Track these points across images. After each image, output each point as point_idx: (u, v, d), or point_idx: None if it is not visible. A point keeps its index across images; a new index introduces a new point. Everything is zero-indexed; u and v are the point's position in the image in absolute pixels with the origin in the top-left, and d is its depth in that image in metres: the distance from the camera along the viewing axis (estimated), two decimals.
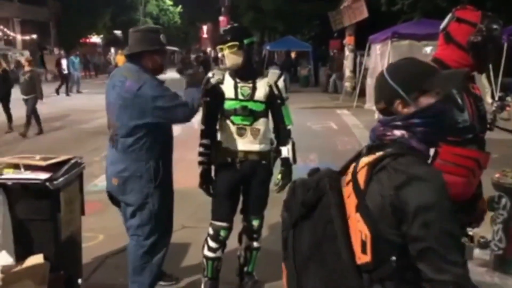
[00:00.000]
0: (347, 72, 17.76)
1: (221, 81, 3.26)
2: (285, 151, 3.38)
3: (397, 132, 1.54)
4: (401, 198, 1.41)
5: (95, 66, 33.54)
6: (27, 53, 27.77)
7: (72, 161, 3.28)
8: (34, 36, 31.85)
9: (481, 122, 2.28)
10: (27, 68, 10.81)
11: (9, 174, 3.05)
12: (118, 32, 37.83)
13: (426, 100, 1.53)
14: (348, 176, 1.60)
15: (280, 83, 3.31)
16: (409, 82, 1.55)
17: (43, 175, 2.99)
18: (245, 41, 3.17)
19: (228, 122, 3.26)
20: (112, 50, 38.61)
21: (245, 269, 3.57)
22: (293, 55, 23.12)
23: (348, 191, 1.57)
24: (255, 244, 3.47)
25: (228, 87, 3.24)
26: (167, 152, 3.25)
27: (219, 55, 3.31)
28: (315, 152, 8.05)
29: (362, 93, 14.72)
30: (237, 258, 3.59)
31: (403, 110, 1.55)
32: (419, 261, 1.40)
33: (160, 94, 3.00)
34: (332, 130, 10.98)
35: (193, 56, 26.53)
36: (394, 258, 1.43)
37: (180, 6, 50.81)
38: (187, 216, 4.95)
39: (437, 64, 1.99)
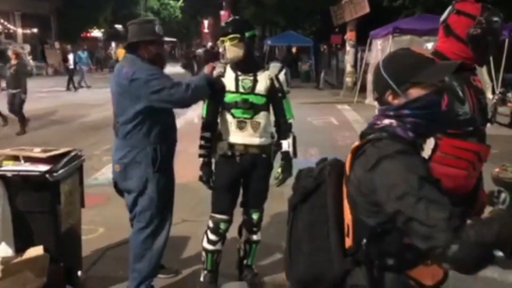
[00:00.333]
0: (348, 67, 17.74)
1: (222, 74, 3.26)
2: (286, 144, 3.37)
3: (386, 121, 1.57)
4: (372, 179, 1.46)
5: (98, 60, 33.48)
6: (28, 46, 27.74)
7: (72, 154, 3.27)
8: (35, 30, 31.77)
9: (482, 114, 2.27)
10: (13, 61, 10.33)
11: (9, 166, 3.04)
12: (119, 27, 37.73)
13: (416, 92, 1.54)
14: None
15: (281, 76, 3.30)
16: (399, 74, 1.56)
17: (43, 167, 2.99)
18: (247, 34, 3.16)
19: (228, 115, 3.25)
20: (113, 44, 38.53)
21: (245, 262, 3.57)
22: (294, 50, 23.07)
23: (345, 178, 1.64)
24: (254, 237, 3.48)
25: (229, 79, 3.24)
26: (168, 139, 3.25)
27: (220, 48, 3.30)
28: (316, 147, 8.06)
29: (363, 89, 14.71)
30: (236, 251, 3.60)
31: (393, 101, 1.57)
32: (409, 237, 1.42)
33: (153, 77, 3.04)
34: (332, 125, 10.98)
35: (200, 50, 26.28)
36: (364, 240, 1.50)
37: (181, 1, 50.61)
38: (188, 210, 4.95)
39: (437, 57, 1.98)
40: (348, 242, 1.57)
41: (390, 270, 1.52)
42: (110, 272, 3.72)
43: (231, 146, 3.26)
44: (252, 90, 3.23)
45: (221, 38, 3.20)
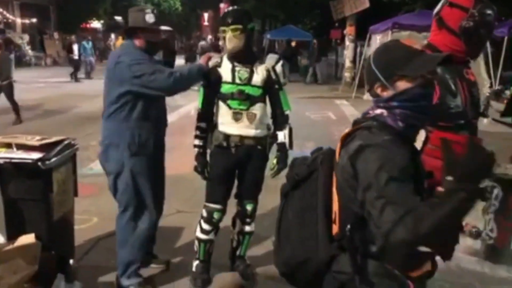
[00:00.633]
0: (347, 62, 17.69)
1: (219, 64, 3.24)
2: (282, 136, 3.37)
3: (378, 111, 1.59)
4: (354, 165, 1.49)
5: (99, 52, 33.33)
6: (26, 36, 27.61)
7: (65, 142, 3.26)
8: (34, 20, 31.62)
9: (474, 108, 2.27)
10: None
11: (1, 154, 3.03)
12: (118, 18, 37.55)
13: (403, 85, 1.55)
14: None
15: (278, 68, 3.29)
16: (387, 66, 1.57)
17: (36, 155, 2.98)
18: (248, 26, 3.16)
19: (224, 106, 3.24)
20: (113, 36, 38.38)
21: (237, 252, 3.58)
22: (293, 44, 22.98)
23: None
24: (248, 228, 3.48)
25: (225, 70, 3.22)
26: (150, 126, 3.23)
27: (220, 38, 3.27)
28: (313, 141, 8.04)
29: (362, 84, 14.66)
30: (229, 242, 3.61)
31: (382, 93, 1.59)
32: (381, 219, 1.40)
33: (136, 61, 3.07)
34: (330, 120, 10.99)
35: (204, 43, 26.06)
36: (348, 226, 1.52)
37: None
38: (183, 201, 4.96)
39: (430, 50, 1.98)
40: (335, 229, 1.59)
41: (374, 258, 1.53)
42: (102, 262, 3.73)
43: (227, 137, 3.25)
44: (248, 81, 3.22)
45: (222, 28, 3.18)
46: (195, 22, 58.07)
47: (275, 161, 3.38)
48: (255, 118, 3.25)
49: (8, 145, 3.11)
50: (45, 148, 3.08)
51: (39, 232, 2.96)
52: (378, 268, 1.52)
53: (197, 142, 3.36)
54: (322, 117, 11.32)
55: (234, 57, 3.21)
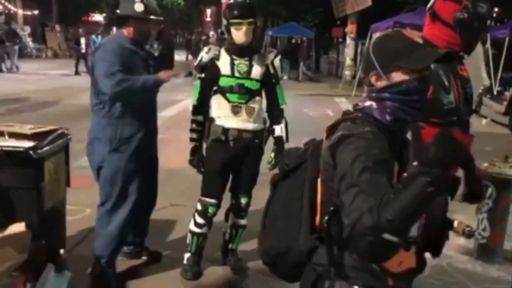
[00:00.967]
0: (348, 60, 17.67)
1: (216, 57, 3.23)
2: (279, 129, 3.38)
3: (368, 103, 1.57)
4: (334, 156, 1.48)
5: None
6: (28, 28, 27.55)
7: (58, 132, 3.25)
8: (36, 11, 31.60)
9: (467, 104, 2.26)
10: None
11: None
12: None
13: (398, 77, 1.53)
14: None
15: (276, 62, 3.31)
16: (385, 55, 1.55)
17: (28, 144, 2.96)
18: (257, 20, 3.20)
19: (223, 99, 3.23)
20: (114, 29, 38.29)
21: (230, 246, 3.58)
22: (295, 41, 22.92)
23: None
24: (241, 221, 3.48)
25: (224, 63, 3.21)
26: (135, 123, 3.19)
27: (225, 30, 3.24)
28: (310, 137, 7.89)
29: (362, 82, 14.64)
30: (222, 237, 3.60)
31: (376, 83, 1.57)
32: (350, 208, 1.38)
33: (103, 58, 3.09)
34: (328, 117, 10.95)
35: (212, 37, 25.89)
36: (326, 218, 1.50)
37: None
38: (177, 195, 4.95)
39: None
40: (318, 220, 1.58)
41: (350, 250, 1.51)
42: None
43: (225, 130, 3.23)
44: (248, 75, 3.21)
45: (237, 20, 3.12)
46: (198, 17, 58.00)
47: (272, 154, 3.39)
48: (253, 111, 3.24)
49: (0, 133, 3.09)
50: (37, 137, 3.06)
51: (29, 221, 2.94)
52: (355, 262, 1.50)
53: (193, 135, 3.36)
54: (321, 114, 11.32)
55: (232, 50, 3.19)
